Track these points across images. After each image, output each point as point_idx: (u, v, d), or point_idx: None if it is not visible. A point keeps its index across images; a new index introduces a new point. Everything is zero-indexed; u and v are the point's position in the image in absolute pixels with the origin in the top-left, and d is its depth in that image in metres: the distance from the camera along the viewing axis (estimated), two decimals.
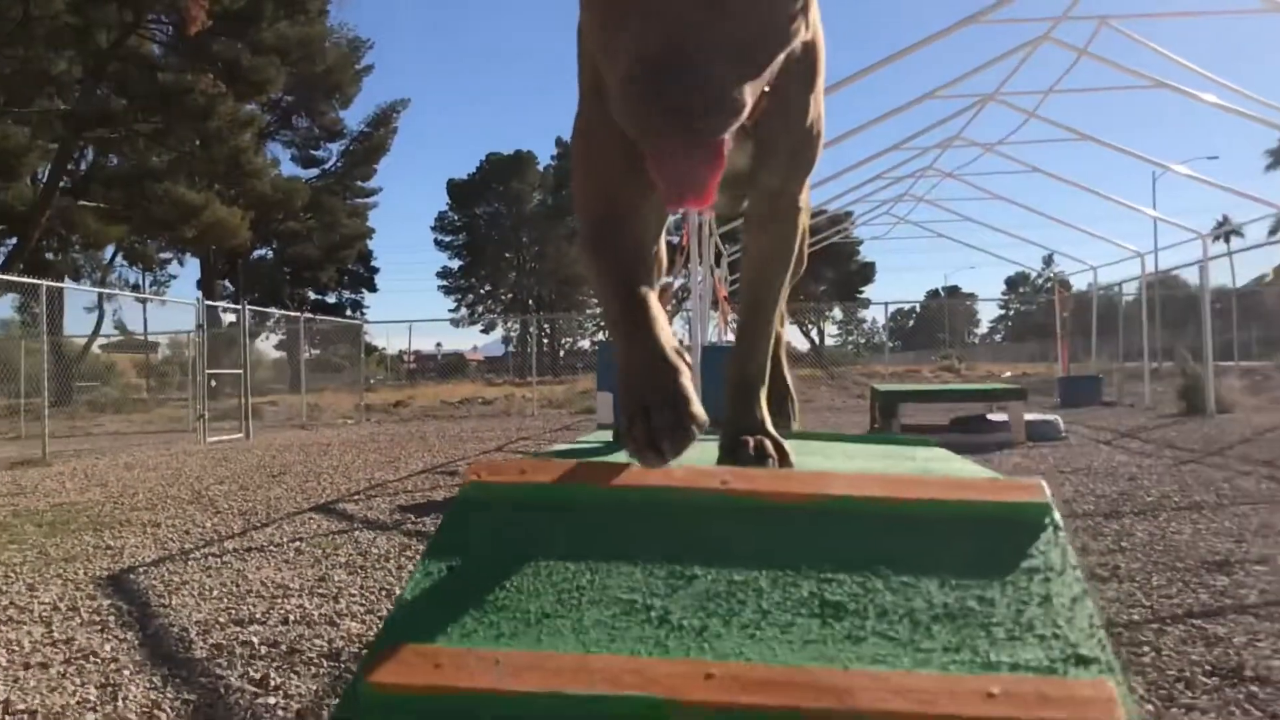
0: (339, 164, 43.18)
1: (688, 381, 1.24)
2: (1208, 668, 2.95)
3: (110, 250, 37.91)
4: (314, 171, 42.52)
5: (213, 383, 18.23)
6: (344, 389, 26.29)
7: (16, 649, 3.42)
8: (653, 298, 1.41)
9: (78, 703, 2.83)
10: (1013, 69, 11.88)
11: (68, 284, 22.58)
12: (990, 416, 11.22)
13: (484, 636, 0.96)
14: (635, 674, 0.87)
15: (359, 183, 44.79)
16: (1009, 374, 29.71)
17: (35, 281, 13.36)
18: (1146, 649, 3.16)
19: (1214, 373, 14.64)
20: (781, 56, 1.20)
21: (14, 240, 29.19)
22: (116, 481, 8.98)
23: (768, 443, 1.58)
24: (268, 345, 33.47)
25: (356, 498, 7.33)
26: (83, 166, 32.01)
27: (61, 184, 29.45)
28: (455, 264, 59.74)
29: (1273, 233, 33.46)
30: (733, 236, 20.97)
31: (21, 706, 2.80)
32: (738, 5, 1.09)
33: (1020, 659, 0.86)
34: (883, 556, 0.99)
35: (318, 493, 7.67)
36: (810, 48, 1.49)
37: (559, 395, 25.82)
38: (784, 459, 1.57)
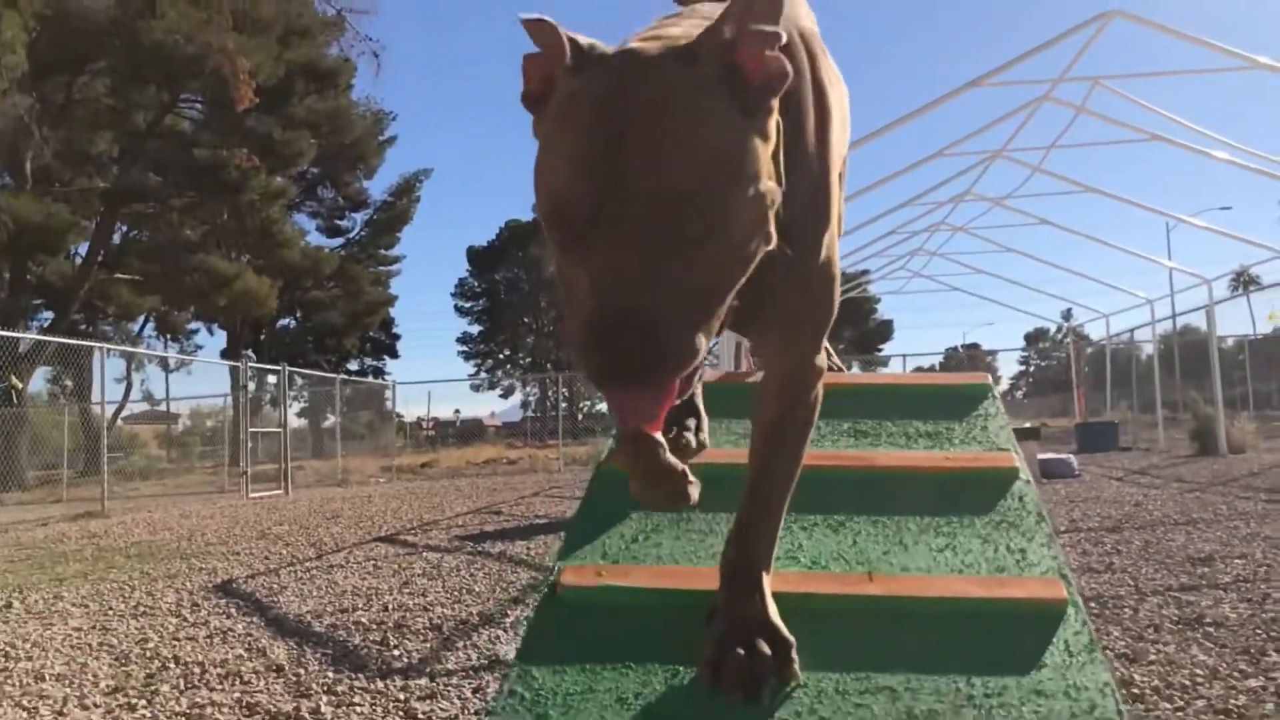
0: (363, 233, 44.34)
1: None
2: (1174, 619, 3.49)
3: (140, 321, 38.98)
4: (338, 240, 43.67)
5: (248, 444, 18.87)
6: (368, 454, 26.96)
7: (162, 630, 4.02)
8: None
9: (235, 657, 3.42)
10: (1017, 127, 12.60)
11: (99, 346, 23.32)
12: None
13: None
14: None
15: (382, 250, 45.88)
16: (1029, 424, 30.11)
17: (91, 344, 14.05)
18: (1127, 610, 3.70)
19: (1226, 415, 15.09)
20: (745, 274, 1.14)
21: (49, 315, 30.19)
22: (179, 526, 9.59)
23: (762, 644, 1.33)
24: (290, 413, 34.24)
25: (413, 531, 7.91)
26: (116, 240, 33.07)
27: (98, 258, 30.52)
28: (475, 329, 60.67)
29: None
30: None
31: (190, 660, 3.39)
32: (692, 253, 1.04)
33: (965, 449, 1.47)
34: (890, 412, 1.61)
35: (375, 529, 8.26)
36: (815, 183, 1.34)
37: (582, 454, 26.35)
38: (785, 665, 1.32)
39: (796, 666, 1.30)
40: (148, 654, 3.60)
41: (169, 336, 45.16)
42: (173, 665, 3.40)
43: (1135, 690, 2.61)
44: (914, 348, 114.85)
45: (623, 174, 1.01)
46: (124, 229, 32.96)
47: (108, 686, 3.17)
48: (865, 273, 26.57)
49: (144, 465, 28.82)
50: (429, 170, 44.31)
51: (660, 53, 1.08)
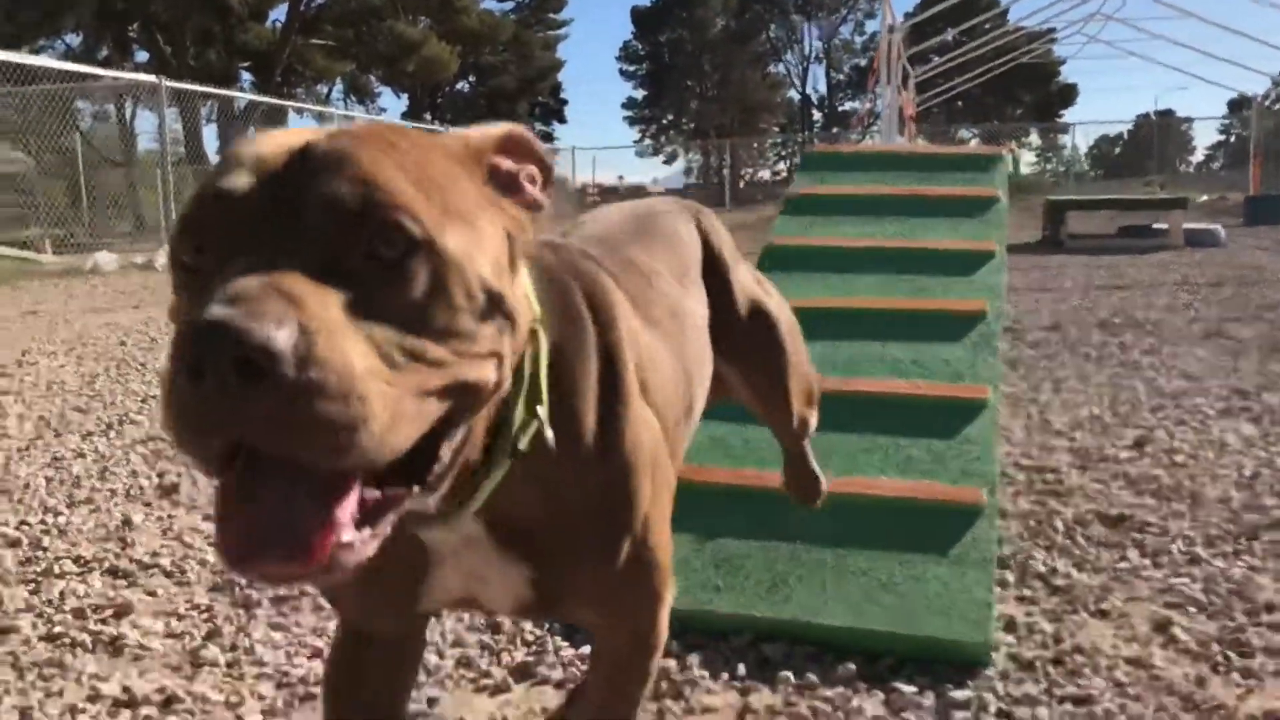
0: None
1: None
2: (1200, 333, 4.71)
3: (328, 87, 41.26)
4: (508, 4, 44.37)
5: None
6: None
7: None
8: None
9: None
10: None
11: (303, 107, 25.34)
12: (1154, 225, 12.38)
13: None
14: None
15: (550, 15, 46.39)
16: (1205, 198, 29.28)
17: (293, 104, 15.82)
18: (1170, 330, 4.90)
19: None
20: (476, 359, 0.73)
21: (250, 80, 32.53)
22: None
23: None
24: None
25: None
26: (312, 8, 34.80)
27: (296, 25, 32.46)
28: (639, 94, 60.73)
29: None
30: (922, 58, 21.65)
31: None
32: (387, 286, 0.68)
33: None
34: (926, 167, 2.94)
35: None
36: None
37: (750, 220, 27.37)
38: None
39: None
40: None
41: (354, 99, 47.69)
42: None
43: (1148, 374, 3.91)
44: (1102, 114, 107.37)
45: (301, 175, 0.70)
46: None
47: None
48: (1051, 30, 25.48)
49: None
50: None
51: None
